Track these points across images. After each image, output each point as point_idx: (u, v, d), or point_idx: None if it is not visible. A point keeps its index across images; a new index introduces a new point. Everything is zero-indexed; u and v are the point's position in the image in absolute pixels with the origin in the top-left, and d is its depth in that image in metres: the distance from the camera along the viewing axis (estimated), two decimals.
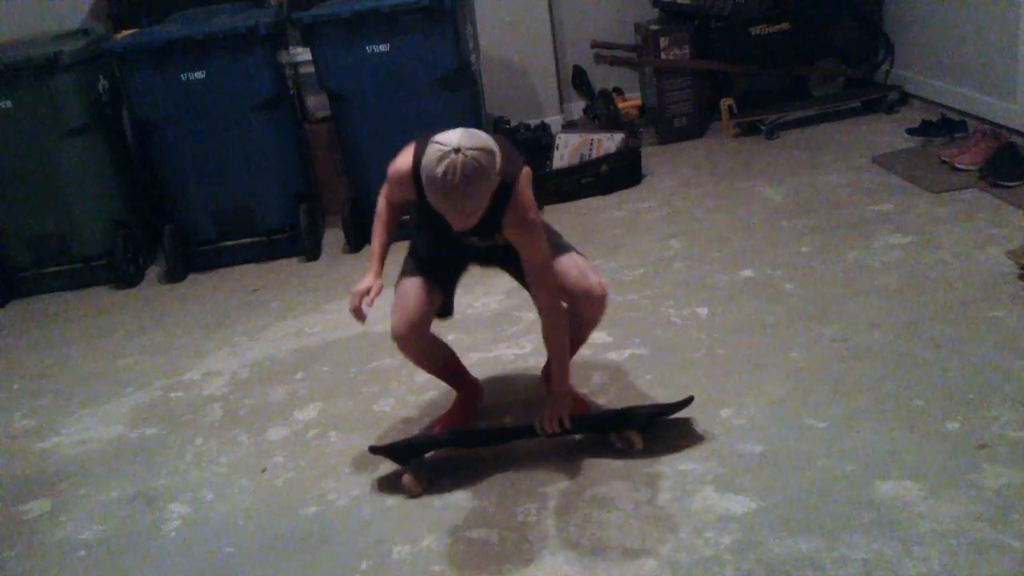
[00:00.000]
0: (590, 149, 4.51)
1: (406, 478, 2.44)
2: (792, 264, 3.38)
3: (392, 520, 2.34)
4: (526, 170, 2.23)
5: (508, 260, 2.39)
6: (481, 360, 3.00)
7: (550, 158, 4.54)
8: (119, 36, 4.32)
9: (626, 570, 2.04)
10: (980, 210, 3.55)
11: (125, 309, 4.03)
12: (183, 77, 4.04)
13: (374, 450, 2.52)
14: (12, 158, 4.11)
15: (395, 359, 3.16)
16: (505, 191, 2.16)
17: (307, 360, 3.27)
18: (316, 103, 4.74)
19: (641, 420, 2.47)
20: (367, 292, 2.39)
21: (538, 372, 2.78)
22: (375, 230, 2.46)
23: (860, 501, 2.12)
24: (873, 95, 5.02)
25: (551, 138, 4.64)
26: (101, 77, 4.34)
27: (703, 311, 3.15)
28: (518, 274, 2.42)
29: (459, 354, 3.05)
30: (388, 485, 2.47)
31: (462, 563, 2.14)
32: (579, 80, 5.56)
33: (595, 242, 3.87)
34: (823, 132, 4.83)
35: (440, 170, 1.97)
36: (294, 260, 4.30)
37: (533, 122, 5.17)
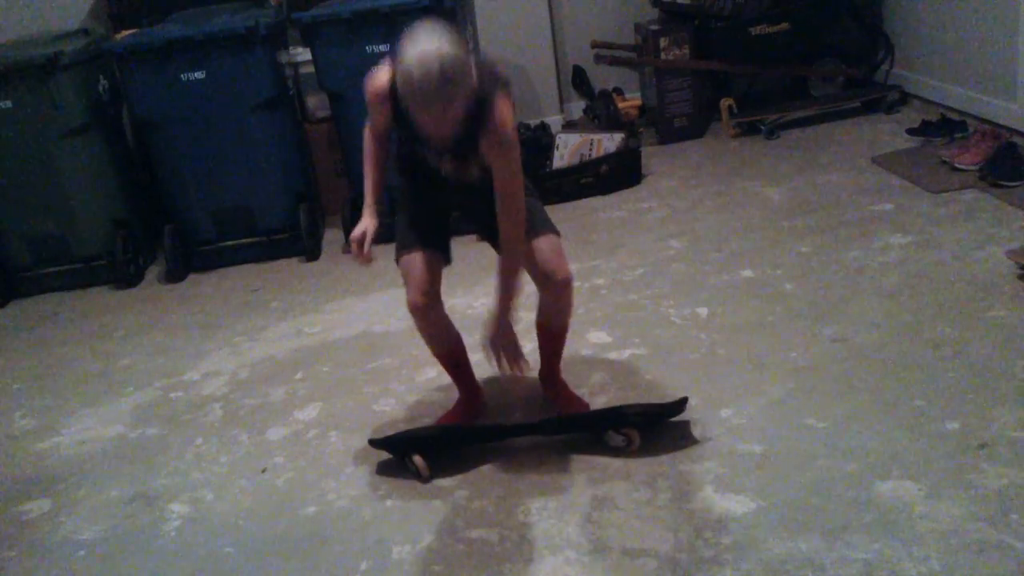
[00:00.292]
0: (590, 149, 4.51)
1: (417, 459, 2.45)
2: (792, 264, 3.38)
3: (392, 520, 2.34)
4: (508, 90, 2.19)
5: (484, 202, 2.30)
6: (481, 360, 2.99)
7: (550, 158, 4.54)
8: (119, 36, 4.33)
9: (626, 570, 2.04)
10: (980, 210, 3.55)
11: (125, 309, 4.03)
12: (183, 77, 4.04)
13: (374, 443, 2.52)
14: (12, 158, 4.11)
15: (395, 359, 3.16)
16: (483, 108, 2.12)
17: (307, 360, 3.27)
18: (316, 103, 4.75)
19: (637, 419, 2.47)
20: (363, 237, 2.38)
21: (538, 372, 2.78)
22: (365, 170, 2.44)
23: (860, 501, 2.12)
24: (873, 95, 5.02)
25: (551, 138, 4.64)
26: (101, 77, 4.34)
27: (703, 311, 3.15)
28: (491, 227, 2.34)
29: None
30: (388, 485, 2.48)
31: (462, 563, 2.14)
32: (579, 80, 5.56)
33: (595, 242, 3.88)
34: (823, 132, 4.83)
35: (416, 64, 1.95)
36: (294, 260, 4.30)
37: (533, 122, 5.17)
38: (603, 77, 5.57)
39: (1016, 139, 3.90)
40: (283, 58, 4.41)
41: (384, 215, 2.45)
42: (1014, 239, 3.24)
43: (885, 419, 2.40)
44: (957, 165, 3.91)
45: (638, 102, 5.43)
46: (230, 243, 4.32)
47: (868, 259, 3.31)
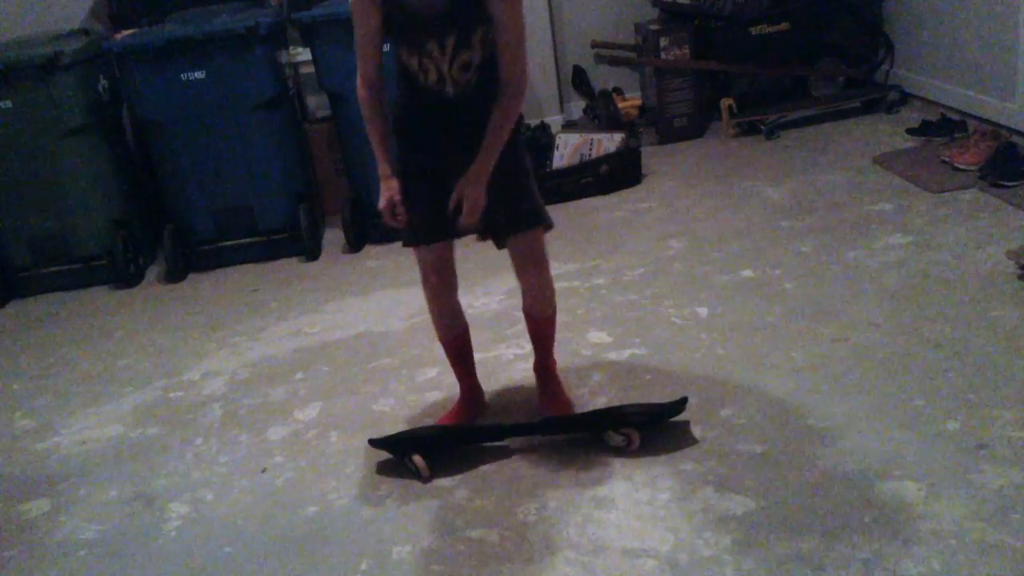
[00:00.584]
0: (590, 149, 4.51)
1: (417, 459, 2.45)
2: (792, 264, 3.38)
3: (392, 520, 2.34)
4: None
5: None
6: (481, 360, 2.99)
7: (550, 158, 4.54)
8: (119, 36, 4.32)
9: (626, 570, 2.04)
10: (980, 210, 3.55)
11: (125, 309, 4.03)
12: (183, 77, 4.04)
13: (374, 443, 2.52)
14: (12, 158, 4.11)
15: (395, 359, 3.16)
16: None
17: (307, 360, 3.27)
18: (316, 103, 4.75)
19: (637, 419, 2.47)
20: (392, 206, 2.33)
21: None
22: (370, 133, 2.35)
23: (860, 501, 2.12)
24: (873, 95, 5.02)
25: (551, 138, 4.64)
26: (101, 77, 4.34)
27: (703, 311, 3.15)
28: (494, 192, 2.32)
29: None
30: (388, 485, 2.48)
31: (462, 563, 2.14)
32: (579, 80, 5.56)
33: (595, 242, 3.88)
34: (823, 132, 4.83)
35: None
36: (294, 260, 4.30)
37: (533, 122, 5.17)
38: (603, 77, 5.57)
39: (1016, 139, 3.90)
40: (283, 58, 4.41)
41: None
42: (1014, 239, 3.24)
43: (885, 419, 2.40)
44: (957, 165, 3.91)
45: (638, 102, 5.42)
46: (230, 243, 4.32)
47: (868, 259, 3.31)
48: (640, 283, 3.43)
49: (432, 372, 3.02)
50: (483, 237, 2.44)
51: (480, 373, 2.78)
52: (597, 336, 3.08)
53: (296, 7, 4.47)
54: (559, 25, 5.49)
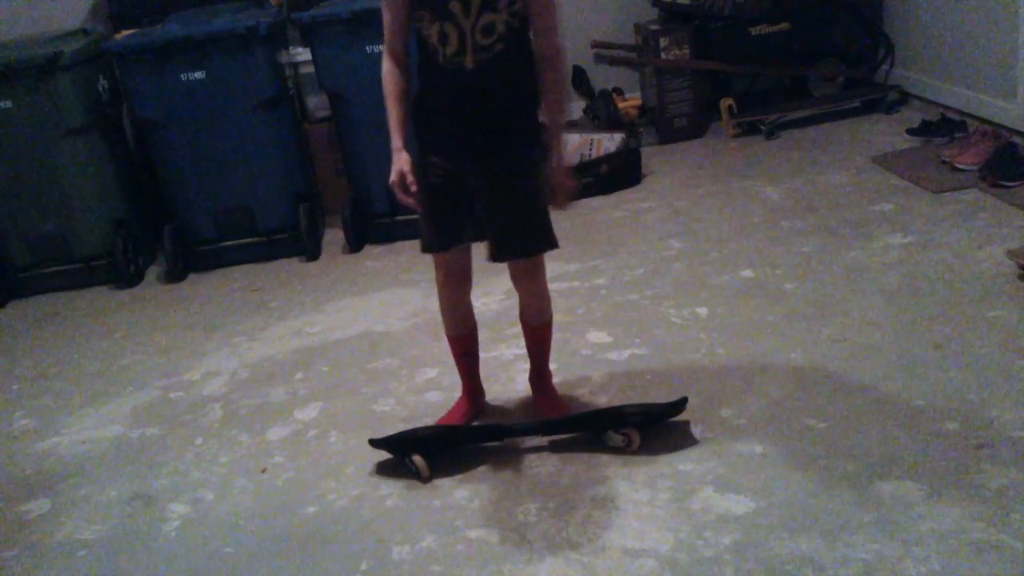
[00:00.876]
0: (590, 149, 4.51)
1: (417, 459, 2.45)
2: (792, 264, 3.38)
3: (392, 520, 2.34)
4: None
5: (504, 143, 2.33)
6: (481, 360, 2.99)
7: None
8: (119, 36, 4.32)
9: (626, 570, 2.04)
10: (980, 210, 3.55)
11: (125, 309, 4.03)
12: (183, 77, 4.04)
13: (374, 443, 2.52)
14: (12, 158, 4.11)
15: (395, 359, 3.16)
16: None
17: (307, 360, 3.27)
18: (316, 103, 4.74)
19: (637, 419, 2.47)
20: (403, 177, 2.27)
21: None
22: (388, 106, 2.32)
23: (860, 501, 2.12)
24: (873, 95, 5.02)
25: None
26: (101, 77, 4.34)
27: (703, 311, 3.15)
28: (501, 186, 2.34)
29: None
30: (388, 485, 2.47)
31: (462, 563, 2.14)
32: (579, 80, 5.56)
33: (595, 242, 3.88)
34: (823, 132, 4.83)
35: None
36: (294, 260, 4.30)
37: None
38: (603, 77, 5.57)
39: (1016, 139, 3.90)
40: (283, 58, 4.40)
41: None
42: (1014, 239, 3.24)
43: (885, 419, 2.40)
44: (957, 165, 3.91)
45: (638, 102, 5.42)
46: (230, 243, 4.32)
47: (868, 259, 3.31)
48: (640, 283, 3.43)
49: (432, 372, 3.02)
50: (495, 258, 2.45)
51: (480, 373, 2.78)
52: (597, 336, 3.08)
53: (296, 7, 4.47)
54: (559, 25, 5.48)
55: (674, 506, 2.21)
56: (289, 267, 4.24)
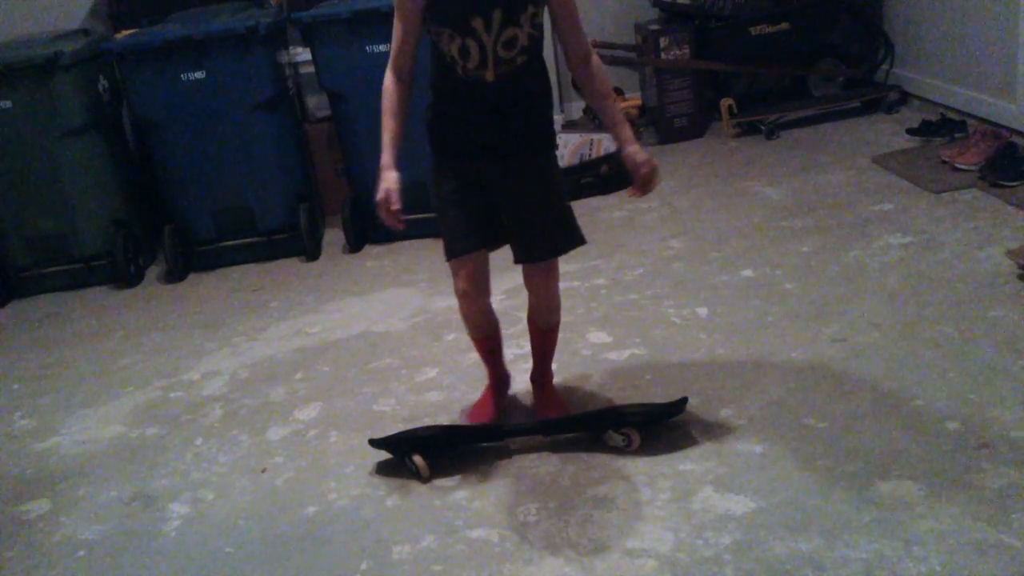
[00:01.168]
0: (590, 149, 4.51)
1: (417, 459, 2.45)
2: (792, 264, 3.38)
3: (392, 520, 2.34)
4: None
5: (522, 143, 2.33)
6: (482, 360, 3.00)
7: None
8: (119, 36, 4.33)
9: (626, 570, 2.04)
10: (980, 210, 3.55)
11: (125, 309, 4.03)
12: (183, 77, 4.04)
13: (374, 443, 2.52)
14: (12, 158, 4.11)
15: (395, 359, 3.16)
16: None
17: (307, 360, 3.27)
18: (316, 103, 4.75)
19: (637, 419, 2.47)
20: (389, 197, 2.24)
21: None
22: (385, 123, 2.28)
23: (860, 501, 2.12)
24: (873, 95, 5.02)
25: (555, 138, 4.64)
26: (101, 77, 4.34)
27: (703, 311, 3.15)
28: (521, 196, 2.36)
29: (460, 354, 3.07)
30: (388, 485, 2.47)
31: (462, 563, 2.14)
32: None
33: (595, 242, 3.87)
34: (823, 132, 4.83)
35: None
36: (294, 260, 4.30)
37: None
38: None
39: (1016, 139, 3.90)
40: (283, 58, 4.41)
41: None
42: (1014, 239, 3.24)
43: (885, 419, 2.40)
44: (957, 165, 3.91)
45: (638, 102, 5.43)
46: (230, 243, 4.32)
47: (868, 259, 3.31)
48: (640, 283, 3.43)
49: (432, 372, 3.02)
50: (522, 260, 2.45)
51: (480, 373, 2.78)
52: (597, 336, 3.09)
53: (296, 7, 4.47)
54: None
55: (674, 506, 2.21)
56: (289, 267, 4.24)
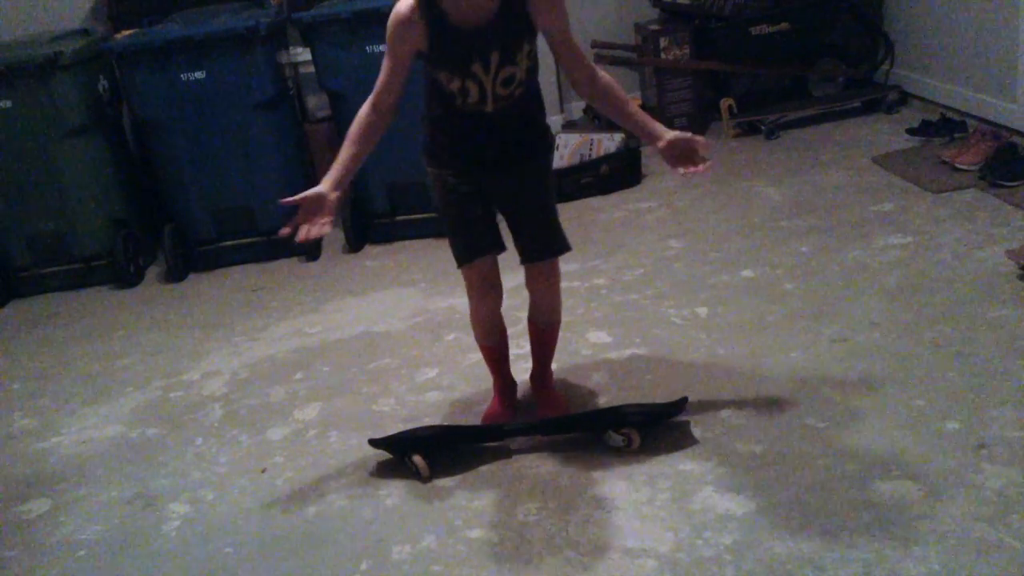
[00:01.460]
0: (590, 149, 4.51)
1: (417, 459, 2.45)
2: (792, 264, 3.38)
3: (392, 520, 2.34)
4: None
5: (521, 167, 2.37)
6: (482, 360, 2.99)
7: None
8: (119, 36, 4.32)
9: (626, 570, 2.04)
10: (980, 210, 3.55)
11: (125, 309, 4.03)
12: (183, 77, 4.04)
13: (374, 443, 2.52)
14: (12, 158, 4.11)
15: (395, 359, 3.16)
16: None
17: (307, 360, 3.27)
18: (316, 103, 4.74)
19: (637, 419, 2.47)
20: (305, 203, 2.26)
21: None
22: (347, 142, 2.28)
23: (860, 501, 2.12)
24: (873, 95, 5.02)
25: (551, 138, 4.63)
26: (101, 77, 4.34)
27: (703, 311, 3.15)
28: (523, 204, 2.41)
29: (460, 354, 3.08)
30: (388, 485, 2.47)
31: (462, 563, 2.14)
32: None
33: (595, 242, 3.88)
34: (823, 132, 4.83)
35: None
36: (294, 260, 4.30)
37: None
38: None
39: (1016, 139, 3.90)
40: (283, 58, 4.40)
41: (341, 194, 2.32)
42: (1014, 239, 3.24)
43: (885, 419, 2.40)
44: (957, 165, 3.91)
45: (638, 102, 5.41)
46: (230, 243, 4.32)
47: (868, 259, 3.31)
48: (640, 283, 3.43)
49: (432, 372, 3.02)
50: (528, 259, 2.47)
51: (481, 373, 2.78)
52: (597, 336, 3.09)
53: (296, 7, 4.47)
54: None
55: (674, 506, 2.21)
56: (289, 267, 4.25)
